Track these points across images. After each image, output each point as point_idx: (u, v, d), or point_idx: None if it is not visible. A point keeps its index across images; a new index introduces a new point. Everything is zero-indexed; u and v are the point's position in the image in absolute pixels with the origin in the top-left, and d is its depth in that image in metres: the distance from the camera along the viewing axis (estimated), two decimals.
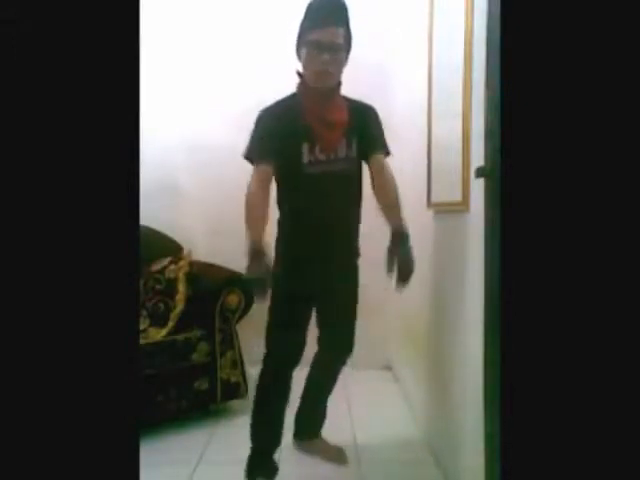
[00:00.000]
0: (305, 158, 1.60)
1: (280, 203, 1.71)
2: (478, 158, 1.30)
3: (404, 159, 2.56)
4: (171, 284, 2.42)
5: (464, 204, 1.51)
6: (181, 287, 2.38)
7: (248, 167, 1.64)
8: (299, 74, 1.67)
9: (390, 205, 1.65)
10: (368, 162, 1.69)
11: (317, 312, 1.78)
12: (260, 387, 1.74)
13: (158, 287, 2.45)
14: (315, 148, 1.60)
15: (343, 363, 1.87)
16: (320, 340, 1.82)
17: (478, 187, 1.32)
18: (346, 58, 1.65)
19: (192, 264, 2.48)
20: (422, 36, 2.02)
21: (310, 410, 1.92)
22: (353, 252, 1.77)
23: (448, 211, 1.75)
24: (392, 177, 1.68)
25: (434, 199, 1.91)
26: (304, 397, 1.90)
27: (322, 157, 1.61)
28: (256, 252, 1.52)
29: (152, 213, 2.42)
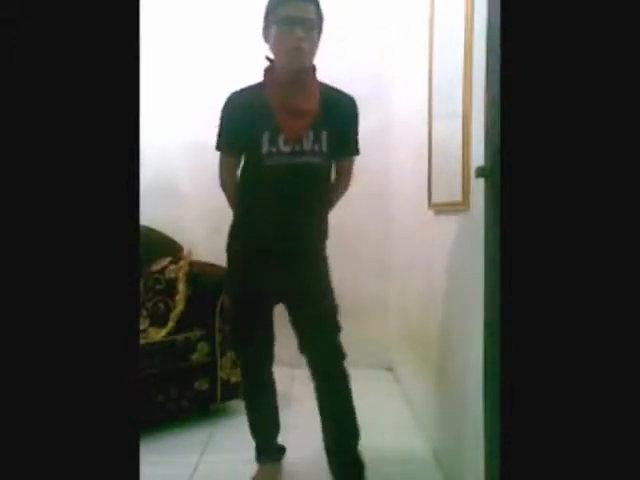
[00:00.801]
0: (265, 148, 1.48)
1: (238, 195, 1.61)
2: (478, 158, 1.30)
3: (404, 159, 2.57)
4: (171, 284, 2.42)
5: (464, 204, 1.51)
6: (181, 287, 2.38)
7: None
8: (269, 59, 1.55)
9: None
10: (335, 161, 1.61)
11: (290, 317, 1.63)
12: (242, 387, 1.75)
13: (158, 287, 2.45)
14: (278, 138, 1.48)
15: (336, 371, 1.60)
16: (300, 351, 1.62)
17: (478, 187, 1.32)
18: (318, 38, 1.52)
19: (192, 264, 2.48)
20: (423, 38, 2.02)
21: (333, 434, 1.64)
22: (317, 251, 1.62)
23: (448, 211, 1.75)
24: (348, 184, 1.70)
25: (434, 199, 1.91)
26: (322, 422, 1.63)
27: (286, 149, 1.48)
28: None
29: (152, 213, 2.42)
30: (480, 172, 1.21)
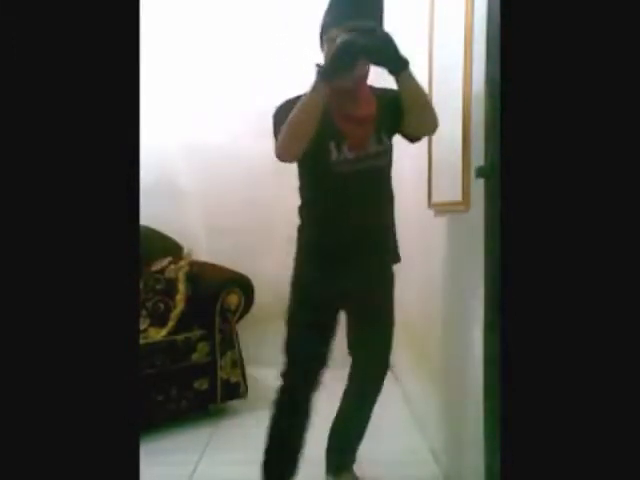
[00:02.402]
0: (334, 156, 1.47)
1: (303, 206, 1.59)
2: (478, 158, 1.30)
3: (404, 159, 2.56)
4: (171, 284, 2.42)
5: (464, 204, 1.51)
6: (181, 287, 2.39)
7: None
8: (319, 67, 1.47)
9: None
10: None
11: (348, 325, 1.65)
12: (276, 416, 1.58)
13: (158, 287, 2.45)
14: (343, 146, 1.47)
15: (377, 386, 1.68)
16: (352, 356, 1.68)
17: (478, 187, 1.32)
18: None
19: (192, 264, 2.48)
20: (422, 35, 2.02)
21: (343, 445, 1.74)
22: (388, 255, 1.63)
23: (448, 211, 1.75)
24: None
25: (434, 199, 1.91)
26: (337, 424, 1.71)
27: (351, 155, 1.47)
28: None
29: (152, 213, 2.42)
30: (480, 172, 1.21)
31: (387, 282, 1.64)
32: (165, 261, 2.51)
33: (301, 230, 1.60)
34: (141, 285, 2.46)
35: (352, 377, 1.70)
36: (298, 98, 1.47)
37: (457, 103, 1.54)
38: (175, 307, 2.36)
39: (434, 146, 1.90)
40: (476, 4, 1.41)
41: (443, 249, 1.82)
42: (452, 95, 1.59)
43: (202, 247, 2.82)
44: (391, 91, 1.54)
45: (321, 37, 1.49)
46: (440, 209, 1.86)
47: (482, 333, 1.24)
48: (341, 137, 1.47)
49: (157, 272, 2.48)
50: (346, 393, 1.72)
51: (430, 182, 1.94)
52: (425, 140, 1.98)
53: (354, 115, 1.48)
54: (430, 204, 1.96)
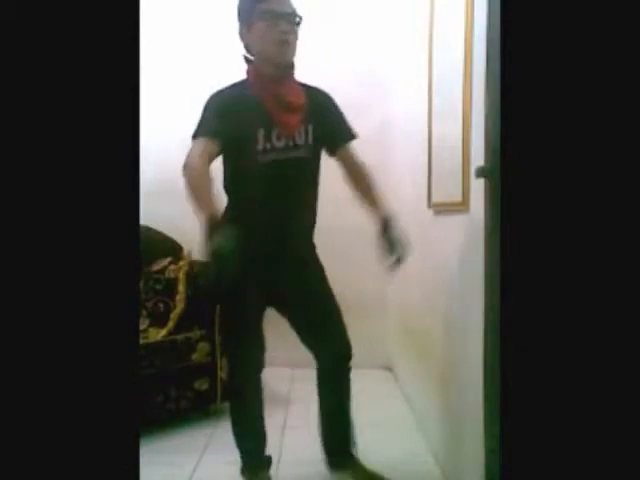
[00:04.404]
0: (260, 145, 1.47)
1: (228, 192, 1.58)
2: (478, 158, 1.30)
3: (404, 159, 2.57)
4: (171, 284, 2.42)
5: (464, 204, 1.51)
6: (181, 287, 2.38)
7: None
8: (247, 59, 1.55)
9: (369, 191, 1.63)
10: (335, 154, 1.62)
11: (289, 318, 1.66)
12: (230, 393, 1.71)
13: (158, 287, 2.45)
14: (272, 134, 1.48)
15: (347, 367, 1.71)
16: (310, 348, 1.68)
17: (478, 187, 1.32)
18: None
19: (192, 264, 2.48)
20: (422, 35, 2.02)
21: (334, 430, 1.75)
22: (310, 246, 1.65)
23: (448, 211, 1.75)
24: (363, 163, 1.65)
25: (434, 199, 1.91)
26: (322, 418, 1.74)
27: (279, 144, 1.49)
28: (216, 225, 1.33)
29: (152, 213, 2.42)
30: (480, 172, 1.21)
31: (315, 271, 1.65)
32: (165, 261, 2.51)
33: (223, 218, 1.54)
34: (141, 285, 2.46)
35: (317, 361, 1.70)
36: (230, 87, 1.54)
37: (457, 103, 1.54)
38: (175, 307, 2.36)
39: (434, 146, 1.90)
40: (476, 5, 1.41)
41: (443, 249, 1.82)
42: (452, 95, 1.59)
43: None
44: (317, 89, 1.61)
45: (246, 18, 1.51)
46: (440, 209, 1.86)
47: (482, 333, 1.24)
48: (271, 125, 1.48)
49: (157, 272, 2.48)
50: (321, 387, 1.72)
51: (430, 182, 1.94)
52: (425, 140, 1.98)
53: (286, 100, 1.50)
54: (430, 204, 1.96)
